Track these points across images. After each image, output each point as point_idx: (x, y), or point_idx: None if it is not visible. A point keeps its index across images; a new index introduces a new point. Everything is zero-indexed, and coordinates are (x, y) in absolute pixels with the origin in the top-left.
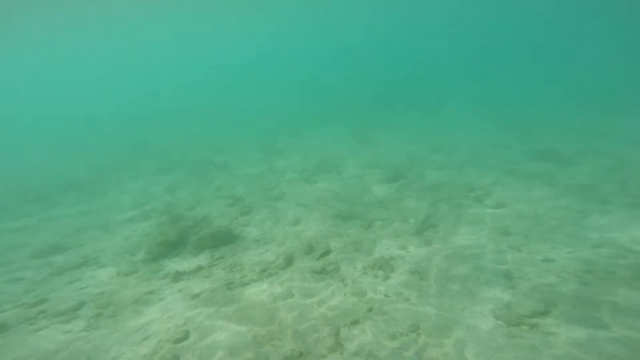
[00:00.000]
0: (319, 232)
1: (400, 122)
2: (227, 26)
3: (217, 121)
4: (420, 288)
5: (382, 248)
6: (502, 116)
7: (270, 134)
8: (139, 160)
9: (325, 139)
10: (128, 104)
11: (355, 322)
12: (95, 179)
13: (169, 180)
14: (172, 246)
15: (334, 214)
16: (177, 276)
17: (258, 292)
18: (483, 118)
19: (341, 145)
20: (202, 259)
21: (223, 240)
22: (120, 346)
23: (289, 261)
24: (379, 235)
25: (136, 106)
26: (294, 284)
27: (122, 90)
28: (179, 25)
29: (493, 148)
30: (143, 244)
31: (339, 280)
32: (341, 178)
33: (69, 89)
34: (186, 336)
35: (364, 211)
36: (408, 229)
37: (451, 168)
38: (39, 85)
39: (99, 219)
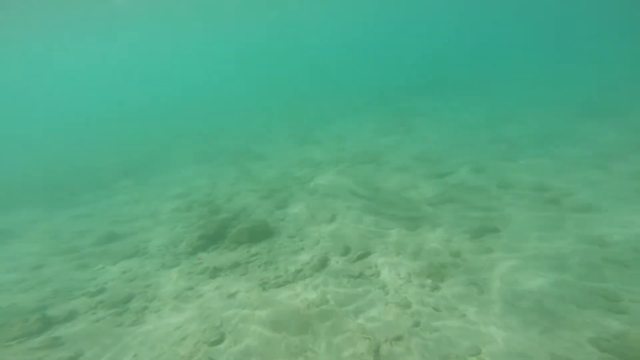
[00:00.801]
0: (356, 230)
1: (448, 108)
2: (256, 15)
3: (255, 110)
4: (480, 303)
5: (430, 253)
6: (580, 98)
7: (306, 124)
8: (182, 149)
9: (363, 129)
10: (167, 96)
11: (398, 338)
12: (146, 168)
13: (210, 170)
14: (211, 239)
15: (374, 211)
16: (215, 272)
17: (292, 295)
18: (556, 100)
19: (381, 135)
20: (238, 254)
21: (259, 234)
22: (162, 344)
23: (323, 262)
24: (427, 238)
25: (177, 98)
26: (329, 288)
27: (160, 82)
28: (212, 15)
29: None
30: (185, 235)
31: (379, 287)
32: (381, 171)
33: (106, 83)
34: (221, 339)
35: (409, 209)
36: (462, 232)
37: (512, 157)
38: (76, 82)
39: (148, 207)
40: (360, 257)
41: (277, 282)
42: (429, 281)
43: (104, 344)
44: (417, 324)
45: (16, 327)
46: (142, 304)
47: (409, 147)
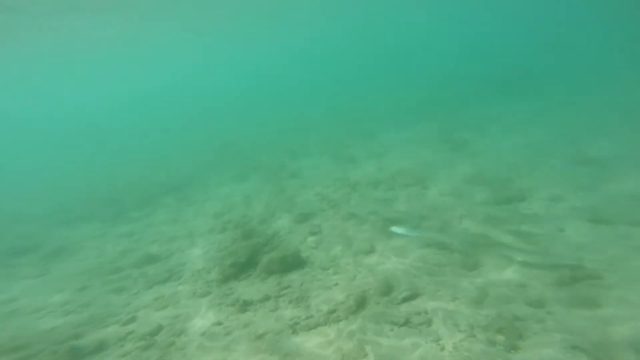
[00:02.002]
0: (399, 266)
1: (510, 119)
2: (301, 23)
3: (289, 122)
4: None
5: (498, 300)
6: None
7: (342, 138)
8: (221, 164)
9: (406, 144)
10: (204, 108)
11: None
12: (185, 185)
13: (246, 188)
14: (242, 268)
15: (421, 243)
16: (245, 306)
17: (324, 343)
18: None
19: (427, 152)
20: (269, 286)
21: (291, 265)
22: None
23: (360, 303)
24: (491, 280)
25: (213, 110)
26: (368, 337)
27: (198, 92)
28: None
29: None
30: (217, 261)
31: (432, 341)
32: (428, 195)
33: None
34: None
35: (465, 244)
36: (547, 277)
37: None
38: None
39: (185, 227)
40: (406, 300)
41: (308, 324)
42: (500, 338)
43: None
44: None
45: (45, 359)
46: (169, 338)
47: (462, 165)
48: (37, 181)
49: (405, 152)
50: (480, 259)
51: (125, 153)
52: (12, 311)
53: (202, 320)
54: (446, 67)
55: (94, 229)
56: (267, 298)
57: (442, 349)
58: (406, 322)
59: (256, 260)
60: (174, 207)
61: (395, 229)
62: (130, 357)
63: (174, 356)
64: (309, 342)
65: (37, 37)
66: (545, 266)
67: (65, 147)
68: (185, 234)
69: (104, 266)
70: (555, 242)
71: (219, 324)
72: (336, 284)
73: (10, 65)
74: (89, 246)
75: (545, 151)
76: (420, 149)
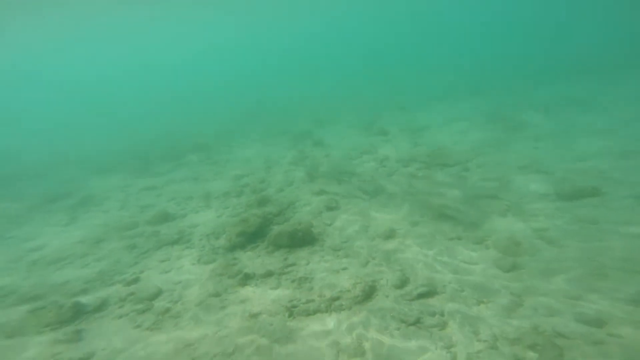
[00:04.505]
0: (421, 257)
1: (592, 99)
2: None
3: (322, 91)
4: None
5: (536, 311)
6: None
7: (375, 109)
8: (248, 127)
9: (449, 121)
10: (240, 75)
11: None
12: (212, 144)
13: (269, 152)
14: (250, 238)
15: (450, 235)
16: (245, 279)
17: (320, 333)
18: None
19: (473, 131)
20: (274, 261)
21: (301, 240)
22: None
23: (368, 293)
24: (533, 286)
25: (248, 77)
26: (370, 334)
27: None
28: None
29: None
30: (228, 227)
31: (443, 347)
32: (468, 178)
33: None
34: None
35: (505, 239)
36: (611, 290)
37: None
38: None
39: (204, 187)
40: (422, 296)
41: (307, 308)
42: (532, 356)
43: (115, 348)
44: None
45: (52, 312)
46: (165, 304)
47: (517, 148)
48: (84, 135)
49: (449, 131)
50: (522, 262)
51: (163, 115)
52: (37, 259)
53: (201, 289)
54: (499, 45)
55: (121, 180)
56: (270, 274)
57: (454, 357)
58: (416, 322)
59: (266, 231)
60: (196, 166)
61: None
62: (126, 319)
63: (166, 324)
64: (305, 329)
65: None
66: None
67: (113, 106)
68: (203, 195)
69: (123, 220)
70: None
71: (217, 295)
72: (345, 268)
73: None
74: (113, 197)
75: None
76: (466, 128)
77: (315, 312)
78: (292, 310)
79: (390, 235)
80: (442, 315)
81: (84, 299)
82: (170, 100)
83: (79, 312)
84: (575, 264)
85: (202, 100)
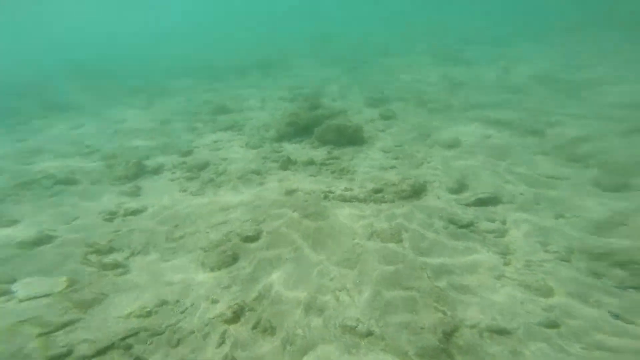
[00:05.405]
0: (490, 167)
1: None
2: None
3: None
4: None
5: (632, 234)
6: None
7: (459, 45)
8: (311, 54)
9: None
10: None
11: (502, 332)
12: (274, 65)
13: (330, 73)
14: (298, 131)
15: (534, 149)
16: (287, 163)
17: (355, 216)
18: None
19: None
20: (318, 153)
21: (349, 138)
22: (201, 222)
23: (417, 191)
24: (629, 209)
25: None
26: (412, 226)
27: None
28: None
29: None
30: (278, 123)
31: (497, 252)
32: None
33: None
34: (257, 237)
35: (593, 158)
36: None
37: None
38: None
39: (262, 93)
40: (482, 203)
41: (344, 195)
42: (617, 273)
43: (162, 205)
44: (553, 324)
45: (121, 167)
46: (210, 175)
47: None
48: (169, 53)
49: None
50: (632, 180)
51: (233, 41)
52: (119, 129)
53: (244, 165)
54: None
55: (191, 83)
56: (311, 162)
57: (508, 263)
58: (469, 225)
59: (314, 128)
60: (258, 78)
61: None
62: (176, 183)
63: (209, 191)
64: (339, 210)
65: None
66: None
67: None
68: (259, 98)
69: (188, 108)
70: None
71: (258, 173)
72: (393, 167)
73: None
74: (183, 93)
75: None
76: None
77: (352, 199)
78: (328, 195)
79: (452, 144)
80: (504, 223)
81: (146, 162)
82: (254, 25)
83: (140, 170)
84: None
85: (275, 31)
